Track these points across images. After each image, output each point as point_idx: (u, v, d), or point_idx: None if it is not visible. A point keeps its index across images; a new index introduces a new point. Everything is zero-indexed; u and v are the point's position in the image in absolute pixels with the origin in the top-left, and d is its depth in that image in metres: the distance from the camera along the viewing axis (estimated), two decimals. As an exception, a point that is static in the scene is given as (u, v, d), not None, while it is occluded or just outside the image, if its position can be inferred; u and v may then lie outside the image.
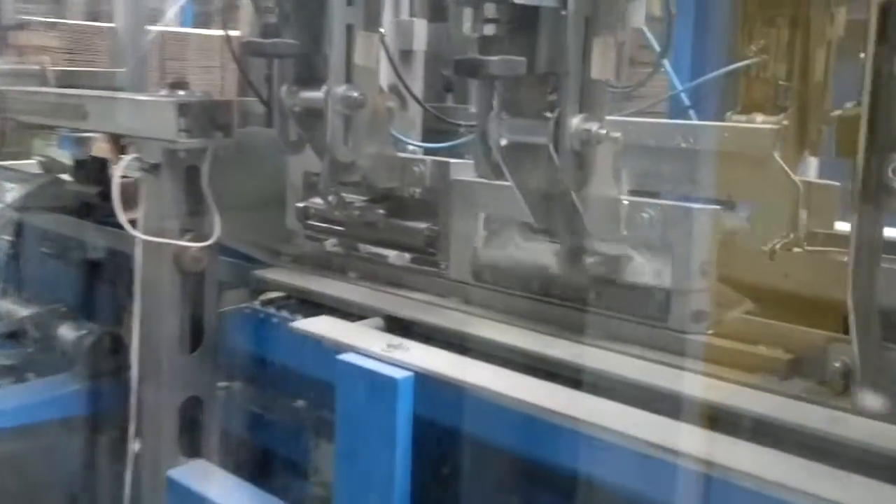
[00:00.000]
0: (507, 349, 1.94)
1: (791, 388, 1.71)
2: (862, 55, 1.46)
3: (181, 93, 2.40)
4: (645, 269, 1.99)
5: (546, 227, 2.00)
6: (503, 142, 1.86)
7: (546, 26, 1.76)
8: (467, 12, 1.64)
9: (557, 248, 2.22)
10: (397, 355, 1.79)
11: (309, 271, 2.61)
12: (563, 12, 1.71)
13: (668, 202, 1.93)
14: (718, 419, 1.62)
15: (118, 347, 2.86)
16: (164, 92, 2.45)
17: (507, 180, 1.95)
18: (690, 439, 1.50)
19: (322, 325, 2.02)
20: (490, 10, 1.66)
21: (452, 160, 2.34)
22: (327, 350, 2.02)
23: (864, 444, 1.46)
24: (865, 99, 1.45)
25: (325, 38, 2.22)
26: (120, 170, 2.31)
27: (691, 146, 2.25)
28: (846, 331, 1.72)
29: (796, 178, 2.16)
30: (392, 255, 2.66)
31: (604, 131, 1.73)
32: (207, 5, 7.74)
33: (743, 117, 2.68)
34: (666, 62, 2.72)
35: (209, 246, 2.40)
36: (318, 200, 2.68)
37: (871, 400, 1.56)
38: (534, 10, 1.74)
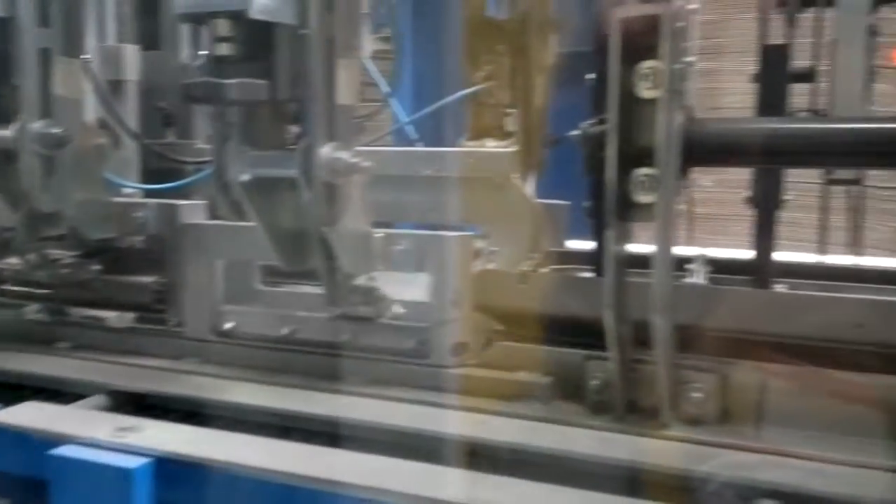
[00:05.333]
0: (262, 412, 1.74)
1: (552, 411, 1.69)
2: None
3: None
4: (402, 305, 1.90)
5: (296, 268, 1.82)
6: (244, 177, 1.66)
7: (285, 47, 1.61)
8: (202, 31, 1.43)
9: (307, 291, 2.07)
10: (131, 440, 1.49)
11: (6, 347, 2.18)
12: (303, 31, 1.57)
13: (421, 231, 1.85)
14: (482, 455, 1.55)
15: None
16: None
17: (248, 220, 1.76)
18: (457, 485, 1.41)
19: (28, 415, 1.64)
20: (223, 27, 1.47)
21: (180, 202, 2.09)
22: (37, 442, 1.65)
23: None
24: (613, 117, 1.47)
25: (15, 65, 1.88)
26: None
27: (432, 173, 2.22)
28: (603, 347, 1.75)
29: (534, 200, 2.20)
30: (112, 316, 2.32)
31: (356, 160, 1.61)
32: None
33: (473, 143, 2.72)
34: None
35: None
36: (12, 260, 2.27)
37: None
38: (271, 29, 1.58)
